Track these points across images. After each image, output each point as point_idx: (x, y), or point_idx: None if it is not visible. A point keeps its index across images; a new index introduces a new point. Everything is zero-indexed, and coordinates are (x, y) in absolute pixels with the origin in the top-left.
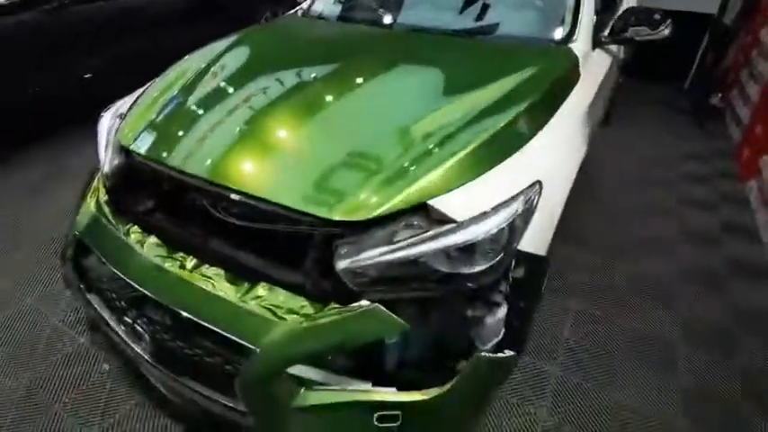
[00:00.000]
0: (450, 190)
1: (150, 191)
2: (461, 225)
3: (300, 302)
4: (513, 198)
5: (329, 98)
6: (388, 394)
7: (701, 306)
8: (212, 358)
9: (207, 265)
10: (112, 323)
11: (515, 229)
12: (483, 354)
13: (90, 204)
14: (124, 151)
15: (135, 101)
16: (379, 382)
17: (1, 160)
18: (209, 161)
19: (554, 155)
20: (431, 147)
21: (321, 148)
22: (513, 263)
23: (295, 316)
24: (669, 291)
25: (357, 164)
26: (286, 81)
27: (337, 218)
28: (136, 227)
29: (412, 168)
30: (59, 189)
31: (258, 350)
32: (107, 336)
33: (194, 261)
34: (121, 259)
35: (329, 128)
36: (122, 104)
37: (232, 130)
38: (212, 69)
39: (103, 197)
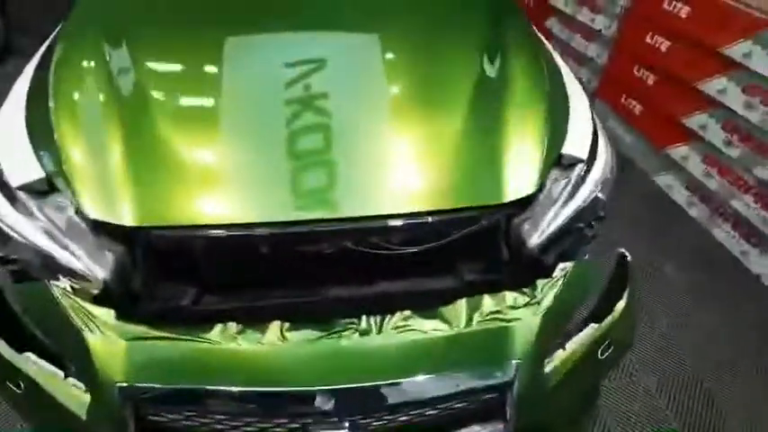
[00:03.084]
0: (565, 135)
1: (193, 269)
2: (593, 159)
3: (506, 297)
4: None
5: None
6: (606, 325)
7: None
8: (456, 400)
9: (381, 317)
10: None
11: None
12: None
13: (111, 338)
14: (121, 234)
15: (60, 146)
16: None
17: None
18: (321, 197)
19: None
20: (528, 100)
21: (438, 136)
22: None
23: (521, 311)
24: None
25: (485, 141)
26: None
27: (511, 198)
28: (220, 326)
29: (537, 127)
30: None
31: (517, 362)
32: None
33: (362, 322)
34: (264, 374)
35: (425, 111)
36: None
37: (310, 144)
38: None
39: (110, 317)
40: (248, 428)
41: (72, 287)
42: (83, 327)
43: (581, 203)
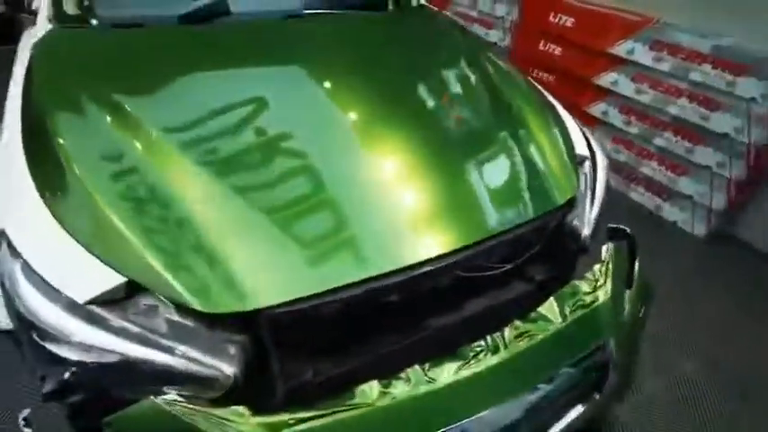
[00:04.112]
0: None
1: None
2: (594, 154)
3: (577, 286)
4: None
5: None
6: (636, 287)
7: None
8: (574, 385)
9: (500, 333)
10: None
11: None
12: None
13: None
14: (240, 321)
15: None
16: None
17: None
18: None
19: None
20: (537, 112)
21: (497, 160)
22: None
23: (595, 294)
24: None
25: (530, 154)
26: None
27: (568, 196)
28: (363, 387)
29: (557, 134)
30: None
31: (612, 338)
32: None
33: (489, 341)
34: (431, 418)
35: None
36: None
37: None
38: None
39: (247, 415)
40: None
41: (182, 396)
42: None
43: (603, 193)
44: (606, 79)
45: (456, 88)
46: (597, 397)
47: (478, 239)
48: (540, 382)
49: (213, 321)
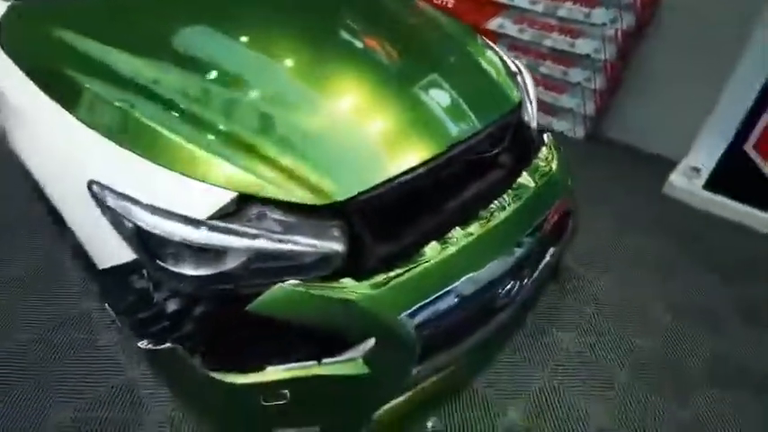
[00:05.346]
0: None
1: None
2: (520, 68)
3: (536, 162)
4: None
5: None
6: (562, 154)
7: None
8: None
9: (502, 197)
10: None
11: None
12: None
13: (375, 293)
14: (335, 210)
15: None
16: None
17: None
18: (438, 131)
19: None
20: (473, 36)
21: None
22: None
23: (550, 165)
24: None
25: (488, 67)
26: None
27: (518, 99)
28: (429, 246)
29: (491, 52)
30: None
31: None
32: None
33: (498, 203)
34: (479, 258)
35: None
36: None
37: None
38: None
39: (355, 282)
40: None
41: (302, 280)
42: (352, 299)
43: (535, 97)
44: (494, 23)
45: (412, 25)
46: (563, 238)
47: (483, 127)
48: (533, 227)
49: (314, 214)
